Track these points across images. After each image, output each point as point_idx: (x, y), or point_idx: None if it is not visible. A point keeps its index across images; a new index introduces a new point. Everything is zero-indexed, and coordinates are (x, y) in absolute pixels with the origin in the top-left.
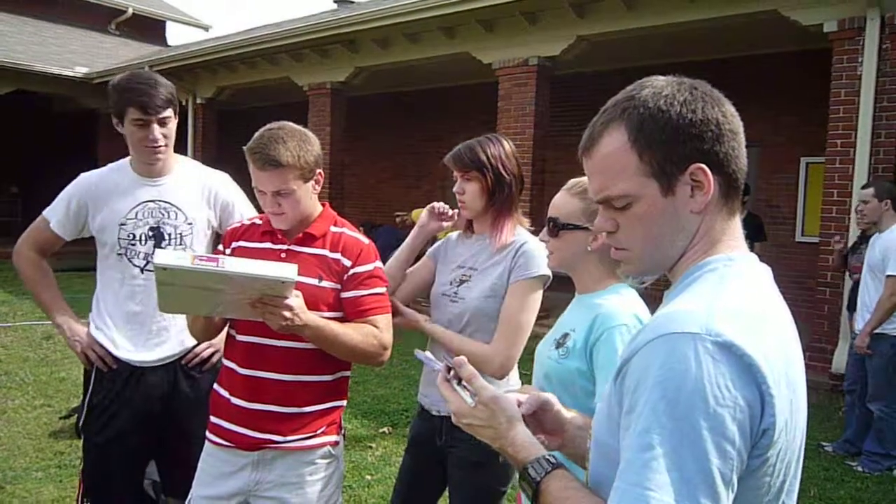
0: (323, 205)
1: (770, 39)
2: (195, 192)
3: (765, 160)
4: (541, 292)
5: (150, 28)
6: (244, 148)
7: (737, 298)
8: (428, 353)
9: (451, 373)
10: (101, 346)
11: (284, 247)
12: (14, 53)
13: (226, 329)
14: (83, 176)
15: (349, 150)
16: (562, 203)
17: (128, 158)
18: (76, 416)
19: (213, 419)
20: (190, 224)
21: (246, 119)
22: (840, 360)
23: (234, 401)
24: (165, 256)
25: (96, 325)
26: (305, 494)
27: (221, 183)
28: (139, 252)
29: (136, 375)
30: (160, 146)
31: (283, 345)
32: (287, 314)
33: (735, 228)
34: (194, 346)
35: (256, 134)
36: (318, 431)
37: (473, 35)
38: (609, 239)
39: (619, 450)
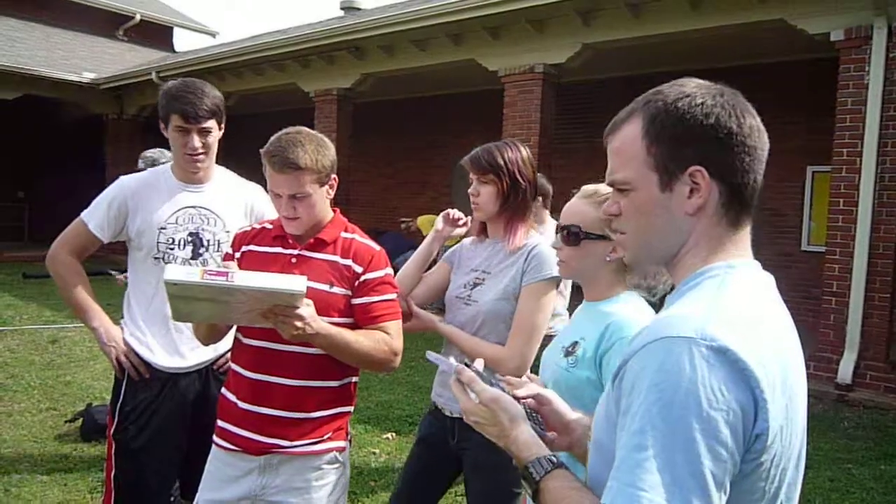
0: (334, 211)
1: (776, 48)
2: (235, 202)
3: (771, 169)
4: (553, 293)
5: (157, 34)
6: (261, 151)
7: (734, 304)
8: (439, 356)
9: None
10: (137, 354)
11: (295, 252)
12: (22, 59)
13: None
14: (123, 179)
15: (355, 157)
16: (582, 211)
17: (170, 164)
18: (81, 419)
19: (220, 423)
20: (228, 232)
21: (253, 125)
22: (846, 370)
23: (242, 405)
24: (175, 272)
25: (130, 332)
26: (311, 500)
27: (258, 195)
28: (177, 257)
29: (170, 382)
30: (199, 155)
31: (291, 349)
32: (298, 324)
33: (741, 240)
34: (226, 352)
35: (274, 137)
36: (325, 437)
37: (479, 42)
38: (613, 223)
39: (614, 449)
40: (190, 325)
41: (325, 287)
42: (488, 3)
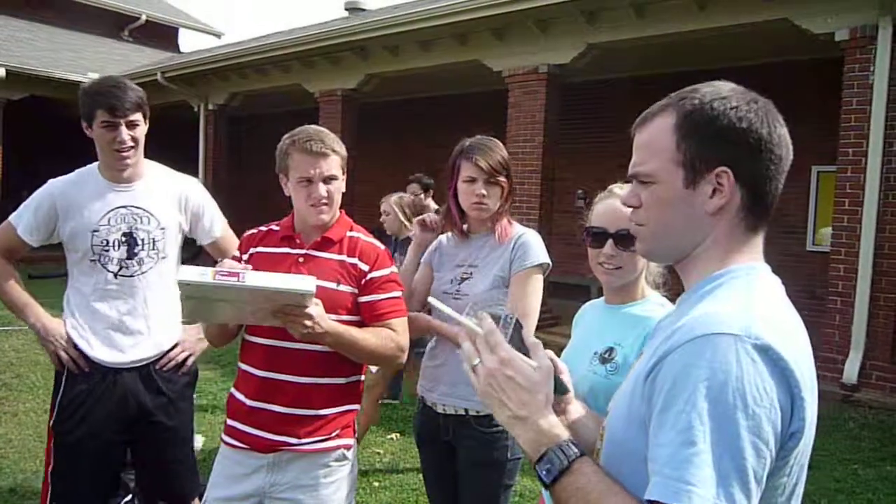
0: (339, 211)
1: (781, 48)
2: (167, 197)
3: None
4: (542, 278)
5: (162, 35)
6: (289, 141)
7: (767, 305)
8: (450, 310)
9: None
10: (77, 347)
11: (302, 251)
12: (28, 60)
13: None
14: (52, 182)
15: (360, 157)
16: None
17: (96, 164)
18: None
19: (228, 421)
20: (163, 229)
21: (257, 125)
22: (851, 370)
23: (250, 402)
24: (188, 273)
25: (71, 325)
26: (319, 497)
27: (192, 188)
28: (112, 258)
29: (109, 376)
30: (127, 147)
31: (298, 347)
32: (308, 323)
33: (756, 245)
34: (170, 350)
35: (298, 130)
36: (333, 434)
37: (484, 42)
38: (631, 214)
39: (640, 447)
40: (130, 322)
41: (333, 285)
42: (493, 3)
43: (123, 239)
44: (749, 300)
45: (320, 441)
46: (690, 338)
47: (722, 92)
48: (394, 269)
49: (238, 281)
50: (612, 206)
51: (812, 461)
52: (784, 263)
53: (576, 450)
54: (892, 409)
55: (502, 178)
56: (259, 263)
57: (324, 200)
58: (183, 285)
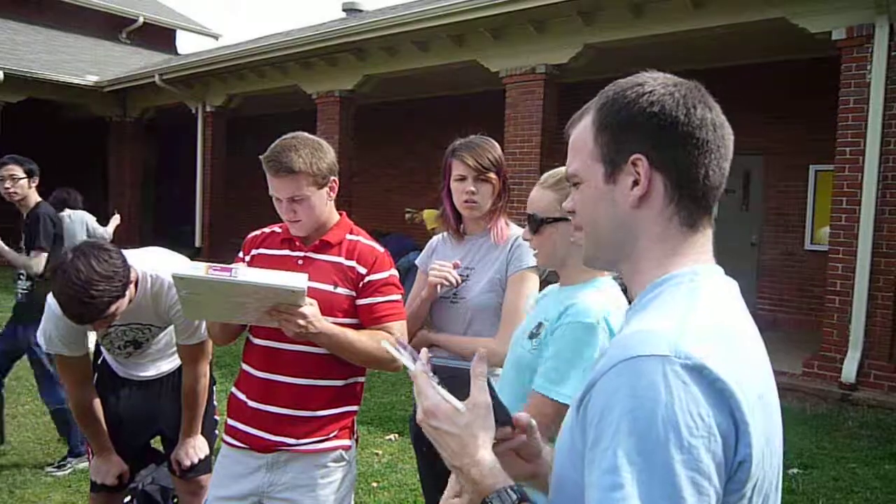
0: (340, 214)
1: (778, 47)
2: (155, 306)
3: (773, 168)
4: (537, 280)
5: (160, 37)
6: (261, 157)
7: (707, 316)
8: (401, 348)
9: (433, 371)
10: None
11: (302, 254)
12: (26, 62)
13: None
14: (51, 304)
15: (358, 158)
16: (538, 198)
17: None
18: None
19: (229, 421)
20: (159, 328)
21: (255, 127)
22: (850, 369)
23: (251, 403)
24: (183, 267)
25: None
26: (317, 497)
27: (167, 292)
28: (121, 353)
29: (137, 383)
30: (106, 328)
31: (297, 349)
32: (301, 322)
33: (698, 242)
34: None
35: (274, 143)
36: (331, 435)
37: (481, 43)
38: (573, 219)
39: (581, 484)
40: (145, 368)
41: (330, 287)
42: (490, 4)
43: (127, 344)
44: (686, 312)
45: (318, 442)
46: (615, 362)
47: (640, 80)
48: (393, 272)
49: (230, 276)
50: (532, 193)
51: (810, 460)
52: (782, 263)
53: (513, 497)
54: (890, 407)
55: (492, 176)
56: (260, 264)
57: (293, 219)
58: (177, 279)
